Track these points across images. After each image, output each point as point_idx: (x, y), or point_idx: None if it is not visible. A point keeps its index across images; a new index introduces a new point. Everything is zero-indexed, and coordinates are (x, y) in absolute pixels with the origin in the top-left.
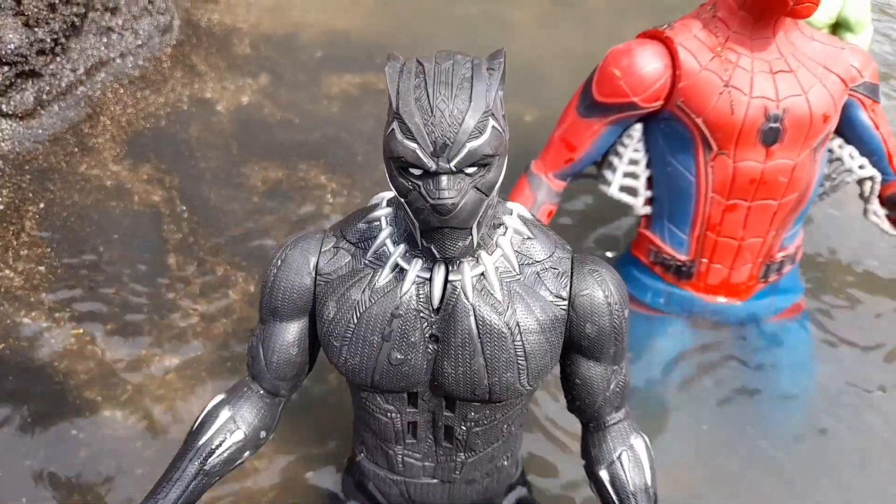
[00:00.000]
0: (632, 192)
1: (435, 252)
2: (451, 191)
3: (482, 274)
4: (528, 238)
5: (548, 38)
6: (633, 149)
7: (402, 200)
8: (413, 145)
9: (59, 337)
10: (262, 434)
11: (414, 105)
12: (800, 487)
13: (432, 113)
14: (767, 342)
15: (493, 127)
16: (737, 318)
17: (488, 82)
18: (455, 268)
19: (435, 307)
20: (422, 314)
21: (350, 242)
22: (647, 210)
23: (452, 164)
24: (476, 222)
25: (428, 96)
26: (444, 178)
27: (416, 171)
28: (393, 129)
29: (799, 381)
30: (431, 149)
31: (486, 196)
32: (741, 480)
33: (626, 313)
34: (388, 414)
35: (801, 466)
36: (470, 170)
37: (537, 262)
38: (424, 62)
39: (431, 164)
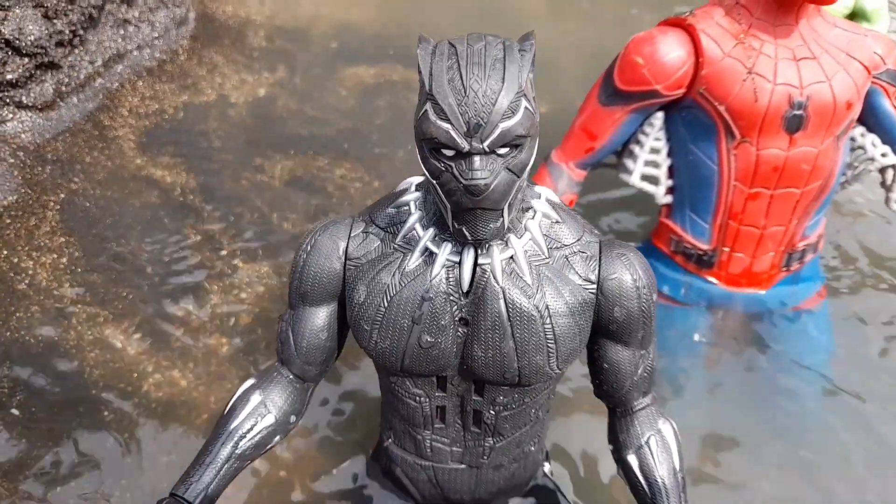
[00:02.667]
0: (653, 180)
1: (466, 234)
2: (484, 171)
3: (511, 257)
4: (557, 222)
5: (559, 29)
6: (654, 137)
7: (434, 182)
8: (446, 126)
9: (83, 327)
10: (292, 418)
11: (447, 86)
12: (819, 473)
13: (465, 93)
14: (788, 331)
15: (526, 107)
16: (757, 308)
17: (520, 63)
18: (484, 251)
19: (465, 290)
20: (451, 297)
21: (379, 227)
22: (669, 199)
23: (486, 144)
24: (507, 203)
25: (461, 77)
26: (476, 159)
27: (449, 152)
28: (426, 111)
29: (819, 370)
30: (465, 129)
31: (518, 177)
32: (761, 467)
33: (654, 297)
34: (417, 398)
35: (820, 454)
36: (502, 150)
37: (566, 245)
38: (456, 43)
39: (465, 145)
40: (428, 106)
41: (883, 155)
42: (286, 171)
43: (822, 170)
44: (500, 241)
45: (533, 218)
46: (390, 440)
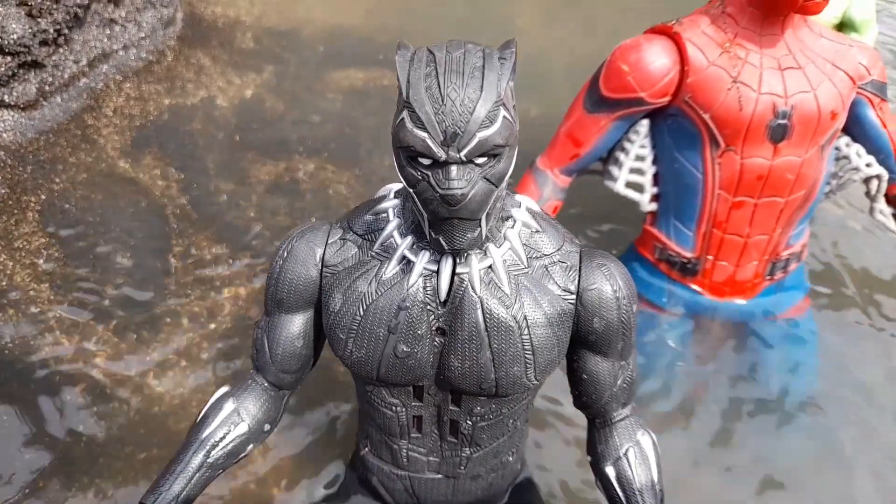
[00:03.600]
0: (638, 188)
1: (443, 244)
2: (461, 181)
3: (490, 267)
4: (537, 231)
5: (550, 36)
6: (639, 145)
7: (411, 191)
8: (423, 134)
9: (60, 329)
10: (266, 427)
11: (424, 94)
12: (802, 482)
13: (443, 102)
14: (772, 340)
15: (504, 117)
16: (741, 316)
17: (500, 71)
18: (462, 260)
19: (442, 300)
20: (429, 307)
21: (357, 234)
22: (653, 207)
23: (463, 153)
24: (485, 213)
25: (439, 85)
26: (453, 168)
27: (426, 161)
28: (402, 119)
29: (803, 379)
30: (442, 138)
31: (496, 187)
32: (744, 476)
33: (634, 308)
34: (394, 408)
35: (804, 463)
36: (480, 160)
37: (545, 255)
38: (435, 50)
39: (441, 154)
40: (405, 114)
41: (867, 165)
42: (271, 174)
43: (807, 179)
44: (478, 251)
45: (512, 227)
46: (367, 449)
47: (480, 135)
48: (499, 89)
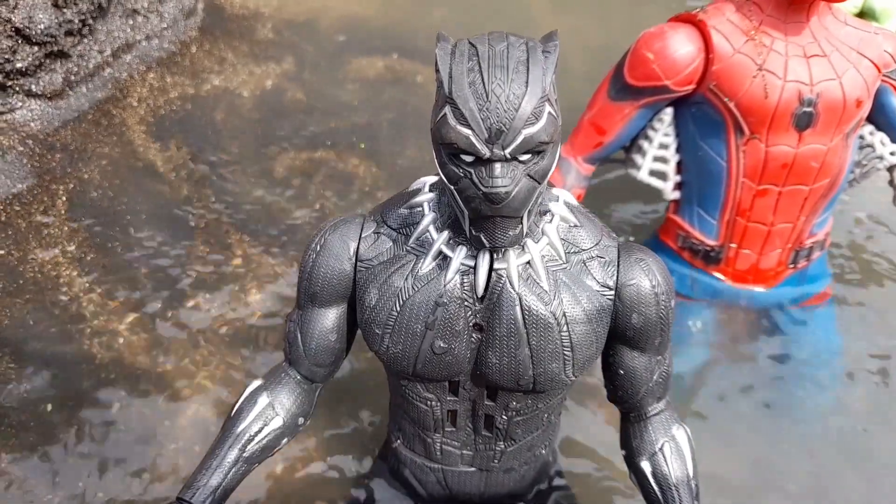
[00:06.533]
0: (661, 176)
1: (484, 241)
2: (505, 178)
3: (528, 262)
4: (575, 226)
5: (566, 25)
6: (663, 133)
7: (452, 188)
8: (467, 131)
9: (89, 317)
10: (300, 420)
11: (468, 89)
12: (825, 470)
13: (487, 98)
14: (794, 328)
15: (549, 113)
16: (764, 304)
17: (544, 66)
18: (500, 256)
19: (479, 296)
20: (466, 303)
21: (391, 228)
22: (677, 195)
23: (507, 151)
24: (527, 211)
25: (483, 80)
26: (497, 166)
27: (469, 158)
28: (445, 114)
29: (825, 368)
30: (486, 135)
31: (539, 184)
32: (767, 463)
33: (672, 304)
34: (428, 402)
35: (827, 452)
36: (524, 157)
37: (584, 250)
38: (477, 44)
39: (486, 152)
40: (447, 109)
41: (892, 153)
42: (294, 164)
43: (831, 167)
44: (516, 246)
45: (550, 222)
46: (399, 441)
47: (526, 132)
48: (544, 84)
